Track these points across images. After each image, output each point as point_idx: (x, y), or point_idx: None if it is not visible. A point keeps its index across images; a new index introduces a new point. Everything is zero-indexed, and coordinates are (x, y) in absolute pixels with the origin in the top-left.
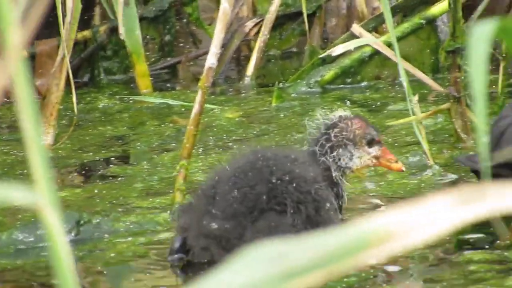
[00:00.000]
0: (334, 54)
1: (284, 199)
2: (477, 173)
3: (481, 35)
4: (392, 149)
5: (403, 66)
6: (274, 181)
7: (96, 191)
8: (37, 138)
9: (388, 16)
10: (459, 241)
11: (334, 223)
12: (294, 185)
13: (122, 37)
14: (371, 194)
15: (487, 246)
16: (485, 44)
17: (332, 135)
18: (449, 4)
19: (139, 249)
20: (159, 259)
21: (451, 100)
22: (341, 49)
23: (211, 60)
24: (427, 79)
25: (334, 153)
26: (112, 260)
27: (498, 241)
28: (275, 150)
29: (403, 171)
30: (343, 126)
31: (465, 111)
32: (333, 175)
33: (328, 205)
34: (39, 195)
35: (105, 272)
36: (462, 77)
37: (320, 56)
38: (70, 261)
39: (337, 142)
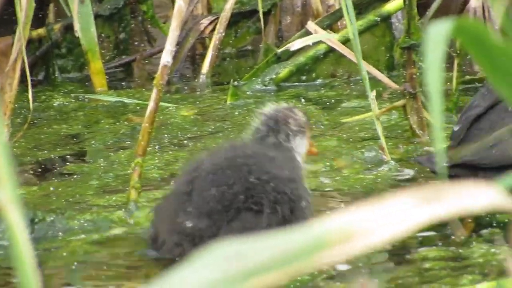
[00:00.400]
0: (292, 49)
1: (261, 198)
2: (436, 174)
3: (437, 34)
4: (347, 145)
5: (361, 61)
6: (252, 180)
7: (51, 189)
8: (2, 131)
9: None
10: (414, 238)
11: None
12: (272, 184)
13: (77, 34)
14: (326, 189)
15: (441, 244)
16: (441, 43)
17: (292, 123)
18: (404, 1)
19: (93, 247)
20: (113, 257)
21: (407, 97)
22: (298, 44)
23: (166, 58)
24: (382, 76)
25: (296, 141)
26: (66, 258)
27: (452, 238)
28: (254, 148)
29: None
30: (296, 115)
31: (420, 107)
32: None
33: (303, 203)
34: (1, 192)
35: (58, 270)
36: (418, 74)
37: (279, 51)
38: (32, 259)
39: (296, 130)
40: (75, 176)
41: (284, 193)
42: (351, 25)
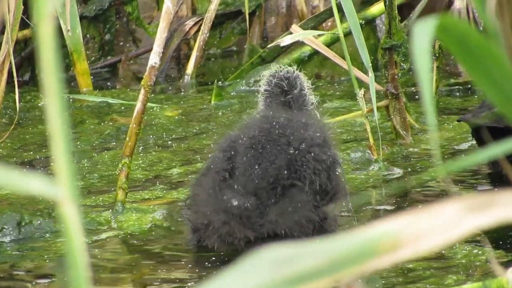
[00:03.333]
0: (282, 44)
1: (304, 171)
2: (478, 134)
3: (423, 32)
4: None
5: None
6: (292, 151)
7: None
8: (65, 129)
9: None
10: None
11: (342, 191)
12: (312, 154)
13: (69, 34)
14: None
15: None
16: (427, 41)
17: (304, 80)
18: (385, 2)
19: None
20: (102, 258)
21: (389, 97)
22: (289, 40)
23: (153, 59)
24: (365, 77)
25: (309, 99)
26: (53, 259)
27: None
28: (286, 116)
29: None
30: (300, 74)
31: (403, 108)
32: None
33: (338, 170)
34: (60, 188)
35: (45, 271)
36: (399, 74)
37: (269, 46)
38: (84, 255)
39: (308, 87)
40: None
41: (323, 160)
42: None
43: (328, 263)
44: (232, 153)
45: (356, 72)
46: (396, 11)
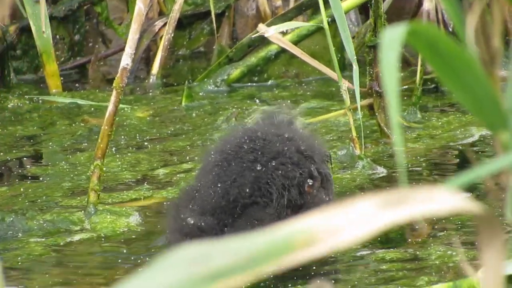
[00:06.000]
0: (266, 35)
1: (270, 187)
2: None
3: (391, 39)
4: None
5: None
6: (259, 168)
7: (5, 190)
8: None
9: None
10: (371, 240)
11: (322, 203)
12: (280, 172)
13: (44, 35)
14: None
15: (398, 245)
16: (395, 48)
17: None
18: (370, 0)
19: (52, 248)
20: (73, 259)
21: (374, 95)
22: (272, 31)
23: (125, 60)
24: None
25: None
26: (24, 259)
27: (409, 240)
28: (267, 129)
29: None
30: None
31: (387, 106)
32: None
33: (310, 181)
34: None
35: (16, 270)
36: None
37: (253, 36)
38: None
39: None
40: (31, 179)
41: (294, 177)
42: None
43: (244, 260)
44: (203, 170)
45: (326, 71)
46: (382, 9)
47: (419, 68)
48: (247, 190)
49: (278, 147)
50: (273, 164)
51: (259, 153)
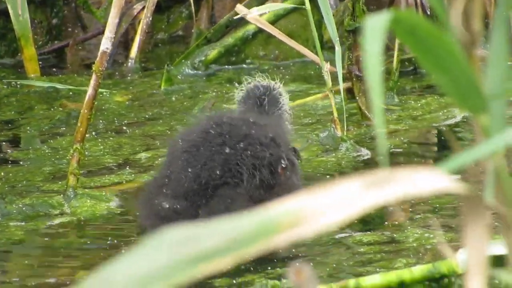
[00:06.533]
0: (248, 16)
1: (240, 168)
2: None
3: (374, 27)
4: (294, 128)
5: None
6: (227, 151)
7: None
8: None
9: None
10: (349, 223)
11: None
12: (249, 152)
13: (21, 18)
14: None
15: (375, 228)
16: (380, 36)
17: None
18: None
19: (31, 232)
20: (52, 243)
21: (354, 79)
22: (256, 12)
23: (105, 44)
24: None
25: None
26: (3, 243)
27: (386, 223)
28: (234, 115)
29: None
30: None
31: (368, 89)
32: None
33: (283, 163)
34: None
35: None
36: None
37: (235, 17)
38: None
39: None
40: (11, 162)
41: (264, 157)
42: None
43: (229, 242)
44: (171, 158)
45: (305, 52)
46: None
47: (396, 53)
48: (218, 172)
49: (245, 130)
50: (241, 145)
51: (227, 136)
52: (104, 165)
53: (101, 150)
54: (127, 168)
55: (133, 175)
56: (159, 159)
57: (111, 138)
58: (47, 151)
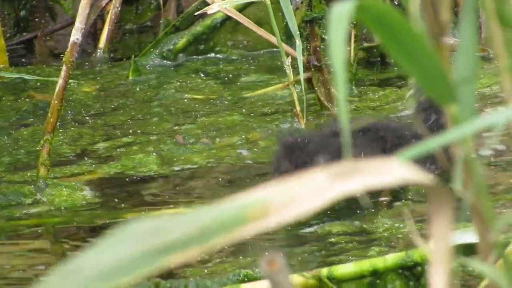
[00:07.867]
0: (209, 12)
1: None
2: None
3: (339, 15)
4: (254, 119)
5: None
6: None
7: None
8: None
9: None
10: (318, 213)
11: None
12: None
13: None
14: (247, 162)
15: (345, 218)
16: (344, 24)
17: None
18: None
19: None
20: (28, 231)
21: (312, 69)
22: (216, 8)
23: (75, 35)
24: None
25: None
26: None
27: (356, 213)
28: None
29: None
30: None
31: (326, 80)
32: None
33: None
34: None
35: None
36: (321, 46)
37: (196, 13)
38: None
39: None
40: None
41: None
42: None
43: (197, 233)
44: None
45: (272, 39)
46: None
47: (352, 45)
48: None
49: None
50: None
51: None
52: (63, 156)
53: (60, 141)
54: (85, 158)
55: (93, 165)
56: (117, 149)
57: (72, 129)
58: (9, 141)
